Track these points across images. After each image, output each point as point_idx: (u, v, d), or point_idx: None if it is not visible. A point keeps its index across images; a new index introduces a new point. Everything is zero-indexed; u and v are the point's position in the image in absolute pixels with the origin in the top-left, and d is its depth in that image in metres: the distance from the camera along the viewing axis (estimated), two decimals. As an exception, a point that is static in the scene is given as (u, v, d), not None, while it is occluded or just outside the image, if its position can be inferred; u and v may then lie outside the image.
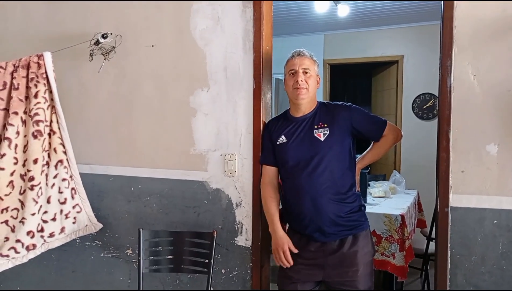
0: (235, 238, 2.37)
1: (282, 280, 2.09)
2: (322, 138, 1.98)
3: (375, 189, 3.84)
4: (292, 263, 1.99)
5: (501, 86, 1.90)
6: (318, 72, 2.12)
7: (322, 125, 2.01)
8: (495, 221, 1.92)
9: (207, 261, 2.19)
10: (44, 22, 2.78)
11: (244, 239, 2.35)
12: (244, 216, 2.34)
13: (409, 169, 5.19)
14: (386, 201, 3.62)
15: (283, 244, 1.99)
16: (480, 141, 1.93)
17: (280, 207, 2.16)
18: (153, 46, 2.49)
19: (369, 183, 4.10)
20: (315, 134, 2.00)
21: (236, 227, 2.36)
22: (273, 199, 2.10)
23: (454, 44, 1.94)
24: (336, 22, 5.14)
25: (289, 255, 1.98)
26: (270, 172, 2.15)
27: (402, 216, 3.07)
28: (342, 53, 5.50)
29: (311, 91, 2.04)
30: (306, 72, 2.02)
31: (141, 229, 2.26)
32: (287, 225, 2.16)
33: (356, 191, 2.07)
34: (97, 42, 2.49)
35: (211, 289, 2.38)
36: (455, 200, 1.97)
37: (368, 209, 3.24)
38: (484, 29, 1.92)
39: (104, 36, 2.48)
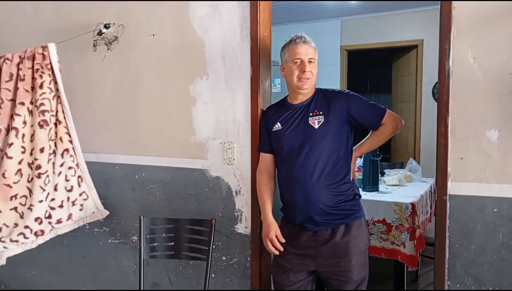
0: (235, 226, 2.38)
1: (275, 269, 2.08)
2: (316, 126, 1.95)
3: (390, 177, 3.76)
4: (281, 249, 1.97)
5: (502, 69, 1.81)
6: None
7: (318, 113, 1.98)
8: (495, 210, 1.85)
9: (206, 248, 2.21)
10: (52, 15, 2.83)
11: (244, 226, 2.36)
12: (243, 203, 2.35)
13: (429, 156, 5.05)
14: (400, 189, 3.55)
15: (269, 231, 1.98)
16: (480, 127, 1.86)
17: None
18: (153, 35, 2.51)
19: (384, 170, 4.03)
20: (309, 122, 1.97)
21: (236, 214, 2.37)
22: (266, 187, 2.09)
23: (453, 26, 1.87)
24: (353, 7, 5.02)
25: (276, 242, 1.96)
26: (266, 159, 2.14)
27: (413, 204, 3.00)
28: (360, 39, 5.36)
29: (314, 81, 2.01)
30: (311, 62, 1.97)
31: (142, 216, 2.30)
32: None
33: (351, 179, 2.03)
34: (100, 33, 2.52)
35: (212, 275, 2.42)
36: (454, 187, 1.91)
37: (379, 197, 3.22)
38: (485, 11, 1.83)
39: (106, 26, 2.51)
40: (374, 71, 7.66)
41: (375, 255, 3.09)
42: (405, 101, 5.45)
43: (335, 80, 5.32)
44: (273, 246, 1.97)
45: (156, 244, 2.32)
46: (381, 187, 3.55)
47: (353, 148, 2.11)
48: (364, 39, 5.35)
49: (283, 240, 1.98)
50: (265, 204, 2.06)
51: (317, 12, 5.18)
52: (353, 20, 5.36)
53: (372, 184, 3.41)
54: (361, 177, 3.50)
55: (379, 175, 3.67)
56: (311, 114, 1.99)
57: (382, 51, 5.70)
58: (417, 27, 5.06)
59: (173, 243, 2.30)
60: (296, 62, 1.96)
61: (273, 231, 1.98)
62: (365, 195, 3.29)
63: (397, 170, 3.99)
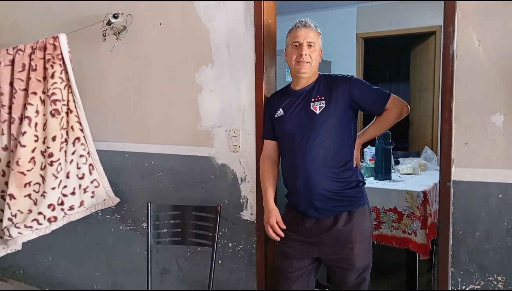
0: (241, 213, 2.40)
1: (278, 256, 2.09)
2: (317, 112, 1.94)
3: (403, 165, 3.72)
4: (282, 234, 1.98)
5: (508, 52, 1.76)
6: (321, 45, 2.05)
7: (319, 98, 1.96)
8: (501, 196, 1.81)
9: (212, 234, 2.24)
10: (63, 8, 2.88)
11: (249, 213, 2.38)
12: (248, 190, 2.36)
13: (447, 145, 4.94)
14: (413, 177, 3.50)
15: (270, 217, 1.99)
16: (485, 111, 1.82)
17: None
18: (160, 24, 2.53)
19: (399, 159, 3.98)
20: (311, 107, 1.95)
21: (241, 201, 2.39)
22: (269, 173, 2.09)
23: (457, 8, 1.82)
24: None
25: (277, 228, 1.97)
26: (269, 146, 2.14)
27: (425, 193, 2.96)
28: (377, 26, 5.25)
29: (314, 65, 1.99)
30: (310, 46, 1.96)
31: (149, 203, 2.33)
32: None
33: (354, 166, 2.01)
34: (109, 23, 2.56)
35: (219, 262, 2.45)
36: (458, 173, 1.88)
37: (391, 186, 3.18)
38: (491, -8, 1.78)
39: (115, 16, 2.54)
40: (394, 59, 7.52)
41: (386, 244, 3.07)
42: (423, 90, 5.34)
43: (351, 69, 5.24)
44: (274, 232, 1.98)
45: (164, 230, 2.36)
46: (395, 175, 3.51)
47: (357, 134, 2.09)
48: (381, 26, 5.24)
49: (283, 226, 1.98)
50: (266, 191, 2.06)
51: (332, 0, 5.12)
52: (370, 7, 5.26)
53: (384, 172, 3.37)
54: (373, 165, 3.48)
55: (393, 164, 3.63)
56: (312, 99, 1.97)
57: (401, 38, 5.57)
58: (436, 13, 4.92)
59: (180, 230, 2.33)
60: (295, 45, 1.96)
61: (274, 217, 1.98)
62: (377, 183, 3.26)
63: (411, 159, 3.94)
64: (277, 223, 1.99)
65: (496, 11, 1.78)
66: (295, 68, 1.98)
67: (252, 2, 2.23)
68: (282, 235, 1.98)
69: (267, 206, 2.04)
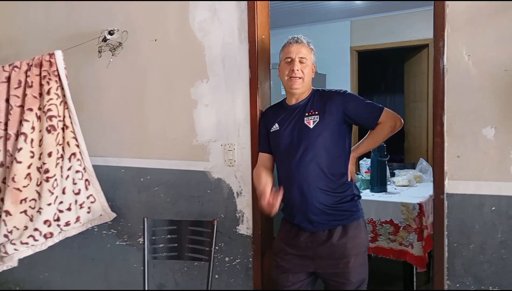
0: (237, 227, 2.40)
1: (274, 269, 2.09)
2: (311, 126, 1.96)
3: (399, 177, 3.73)
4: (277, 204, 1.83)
5: (497, 66, 1.79)
6: (314, 60, 2.07)
7: (313, 113, 1.98)
8: (494, 208, 1.83)
9: (208, 249, 2.23)
10: (62, 22, 2.92)
11: (245, 227, 2.38)
12: (244, 205, 2.37)
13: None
14: (409, 189, 3.51)
15: (263, 189, 1.88)
16: (477, 124, 1.84)
17: None
18: (156, 40, 2.56)
19: (394, 171, 4.00)
20: (305, 122, 1.98)
21: (238, 215, 2.40)
22: (263, 173, 2.02)
23: (446, 23, 1.86)
24: (362, 7, 5.01)
25: (267, 196, 1.84)
26: (264, 157, 2.14)
27: (420, 205, 2.98)
28: (370, 39, 5.33)
29: (306, 81, 2.01)
30: (302, 62, 1.99)
31: (145, 218, 2.33)
32: None
33: (349, 180, 2.02)
34: (104, 39, 2.59)
35: (216, 276, 2.45)
36: (451, 186, 1.89)
37: (387, 198, 3.20)
38: (479, 7, 1.82)
39: (110, 32, 2.57)
40: (388, 71, 7.59)
41: (384, 256, 3.07)
42: (417, 101, 5.39)
43: (346, 82, 5.29)
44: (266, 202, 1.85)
45: (160, 245, 2.36)
46: (390, 187, 3.53)
47: (351, 148, 2.11)
48: (374, 39, 5.31)
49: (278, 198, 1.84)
50: (264, 186, 1.91)
51: (325, 14, 5.18)
52: (363, 21, 5.33)
53: (380, 184, 3.39)
54: (368, 178, 3.50)
55: (389, 176, 3.65)
56: (306, 114, 2.00)
57: (395, 50, 5.64)
58: (428, 26, 4.97)
59: (176, 244, 2.33)
60: (287, 61, 1.99)
61: (265, 188, 1.88)
62: (373, 196, 3.28)
63: (407, 171, 3.95)
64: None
65: (485, 26, 1.81)
66: (287, 84, 2.01)
67: (246, 18, 2.26)
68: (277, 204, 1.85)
69: (259, 187, 1.94)
